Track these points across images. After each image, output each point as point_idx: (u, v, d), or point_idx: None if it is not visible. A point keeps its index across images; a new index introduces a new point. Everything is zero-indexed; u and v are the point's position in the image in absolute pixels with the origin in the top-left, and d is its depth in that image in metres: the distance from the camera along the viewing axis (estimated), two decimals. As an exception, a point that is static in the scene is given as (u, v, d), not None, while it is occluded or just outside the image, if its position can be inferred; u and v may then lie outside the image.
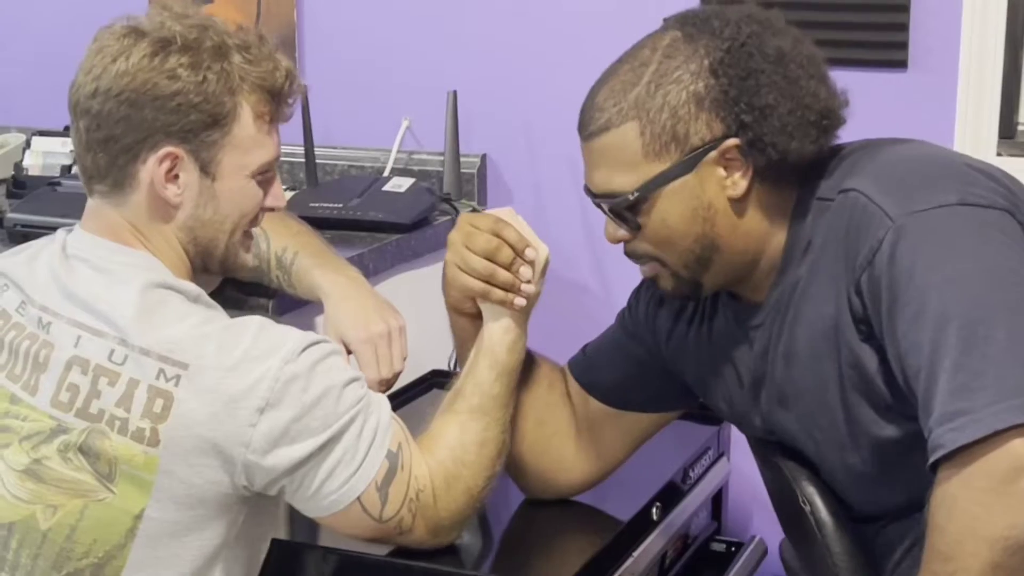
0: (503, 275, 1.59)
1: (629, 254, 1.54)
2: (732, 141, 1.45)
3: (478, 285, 1.60)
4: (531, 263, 1.60)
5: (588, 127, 1.50)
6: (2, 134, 2.81)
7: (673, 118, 1.45)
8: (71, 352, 1.47)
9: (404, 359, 1.79)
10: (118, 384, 1.44)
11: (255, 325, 1.48)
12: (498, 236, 1.59)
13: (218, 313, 1.52)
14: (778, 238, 1.50)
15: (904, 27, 2.30)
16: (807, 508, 1.58)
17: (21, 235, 2.16)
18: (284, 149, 2.59)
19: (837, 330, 1.45)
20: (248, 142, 1.51)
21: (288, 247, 1.84)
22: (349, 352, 1.75)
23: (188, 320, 1.47)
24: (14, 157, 2.63)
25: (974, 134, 2.28)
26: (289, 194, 2.53)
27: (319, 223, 2.29)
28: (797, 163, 1.47)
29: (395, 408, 1.56)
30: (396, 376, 1.78)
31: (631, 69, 1.49)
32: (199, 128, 1.48)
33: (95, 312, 1.47)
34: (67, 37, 2.10)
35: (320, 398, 1.45)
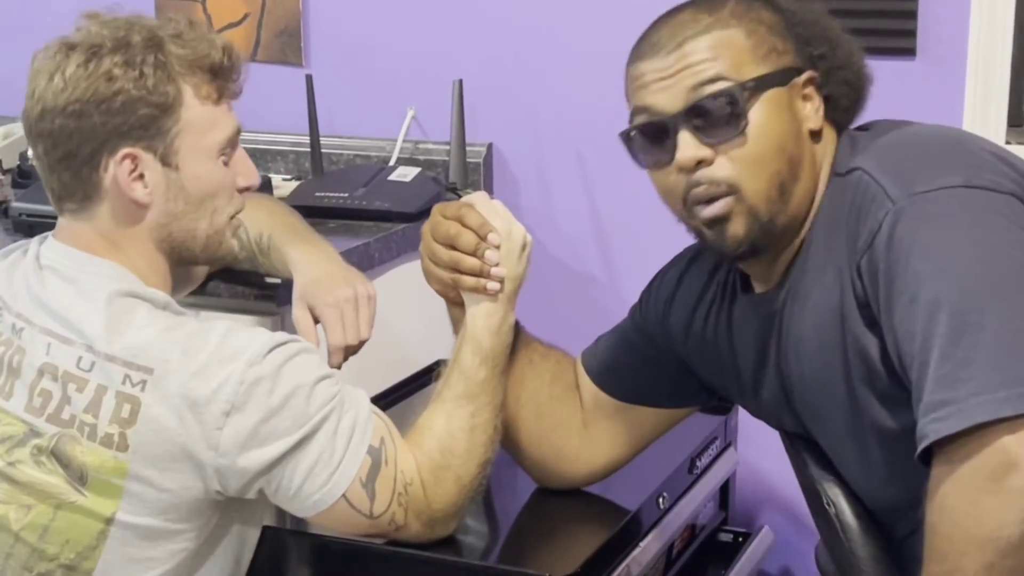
0: (469, 262, 1.58)
1: (703, 181, 1.44)
2: (811, 72, 1.48)
3: (446, 275, 1.59)
4: (497, 247, 1.58)
5: (682, 33, 1.46)
6: (7, 124, 2.81)
7: (771, 31, 1.47)
8: (43, 359, 1.47)
9: (371, 327, 1.74)
10: (86, 390, 1.45)
11: (221, 328, 1.47)
12: (460, 222, 1.58)
13: (186, 319, 1.51)
14: (810, 208, 1.48)
15: (913, 15, 2.28)
16: (832, 510, 1.55)
17: (26, 224, 2.16)
18: (290, 138, 2.64)
19: (843, 315, 1.42)
20: (200, 123, 1.50)
21: (263, 231, 1.82)
22: (317, 322, 1.72)
23: (154, 326, 1.47)
24: (19, 147, 2.62)
25: (983, 122, 2.27)
26: (294, 184, 2.52)
27: (324, 212, 2.30)
28: (853, 105, 1.52)
29: (399, 399, 1.56)
30: (362, 344, 1.74)
31: (707, 1, 1.49)
32: (149, 121, 1.47)
33: (63, 321, 1.47)
34: (72, 27, 2.09)
35: (288, 398, 1.45)
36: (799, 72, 1.48)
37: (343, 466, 1.47)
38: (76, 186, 1.50)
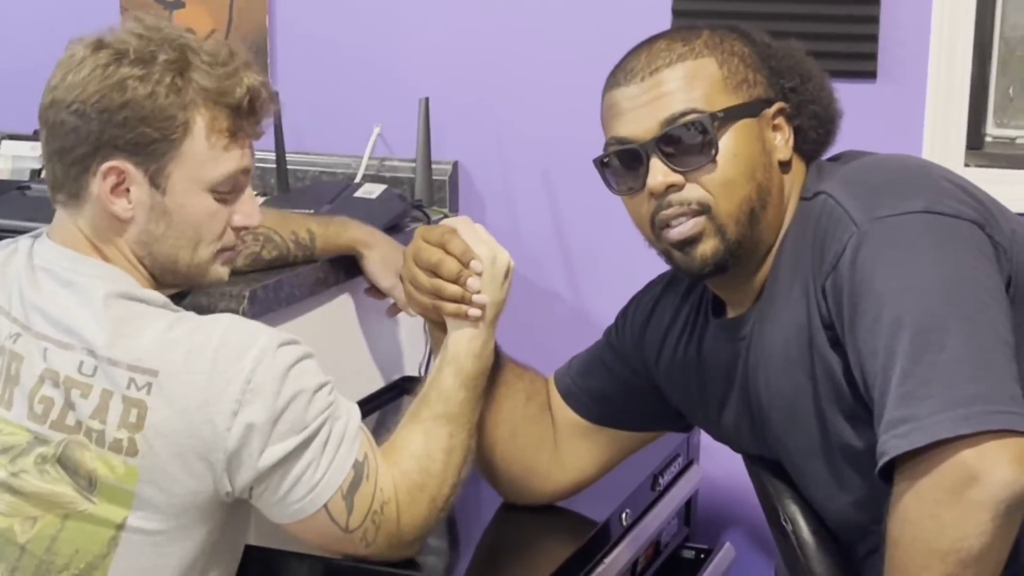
0: (450, 289, 1.57)
1: (673, 203, 1.47)
2: (781, 104, 1.51)
3: (428, 301, 1.59)
4: (479, 274, 1.57)
5: (655, 63, 1.48)
6: (-29, 137, 2.80)
7: (743, 62, 1.50)
8: (41, 365, 1.45)
9: None
10: (91, 396, 1.43)
11: (223, 324, 1.46)
12: (443, 248, 1.58)
13: (185, 315, 1.49)
14: (778, 235, 1.51)
15: (873, 38, 2.31)
16: (789, 527, 1.56)
17: (-9, 239, 2.15)
18: (256, 154, 2.62)
19: (809, 336, 1.44)
20: (201, 156, 1.47)
21: (296, 230, 2.03)
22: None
23: (155, 326, 1.45)
24: (-16, 160, 2.61)
25: (942, 145, 2.29)
26: (260, 200, 2.52)
27: (290, 229, 2.29)
28: (822, 138, 1.54)
29: (364, 414, 1.55)
30: None
31: (682, 30, 1.52)
32: (147, 142, 1.45)
33: (60, 326, 1.45)
34: (37, 41, 2.09)
35: (290, 401, 1.44)
36: (770, 103, 1.50)
37: (328, 476, 1.47)
38: (64, 182, 1.49)
